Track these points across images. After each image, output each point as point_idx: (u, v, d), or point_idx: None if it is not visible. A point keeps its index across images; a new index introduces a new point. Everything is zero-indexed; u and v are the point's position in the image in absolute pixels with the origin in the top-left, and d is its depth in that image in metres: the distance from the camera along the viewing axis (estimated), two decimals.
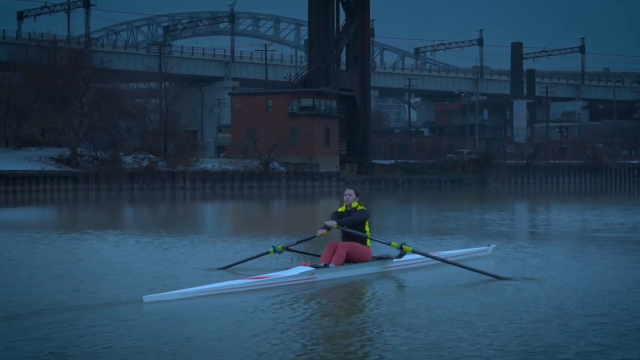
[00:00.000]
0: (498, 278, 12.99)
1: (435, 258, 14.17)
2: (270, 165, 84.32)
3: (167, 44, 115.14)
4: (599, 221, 29.91)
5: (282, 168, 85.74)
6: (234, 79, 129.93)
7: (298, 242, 14.76)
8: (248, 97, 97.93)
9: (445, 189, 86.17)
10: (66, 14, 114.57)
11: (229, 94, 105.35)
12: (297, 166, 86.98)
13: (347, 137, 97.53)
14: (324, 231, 13.81)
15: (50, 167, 73.38)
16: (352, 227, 13.73)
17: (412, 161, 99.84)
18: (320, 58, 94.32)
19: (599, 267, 14.64)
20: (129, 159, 78.71)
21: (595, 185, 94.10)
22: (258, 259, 14.80)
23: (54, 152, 76.85)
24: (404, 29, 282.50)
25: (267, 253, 14.51)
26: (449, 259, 14.23)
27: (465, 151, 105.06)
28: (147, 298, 11.20)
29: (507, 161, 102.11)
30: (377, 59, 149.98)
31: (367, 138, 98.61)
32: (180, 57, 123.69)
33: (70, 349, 8.56)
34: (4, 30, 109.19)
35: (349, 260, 13.62)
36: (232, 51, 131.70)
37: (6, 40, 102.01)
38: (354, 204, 13.96)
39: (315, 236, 14.17)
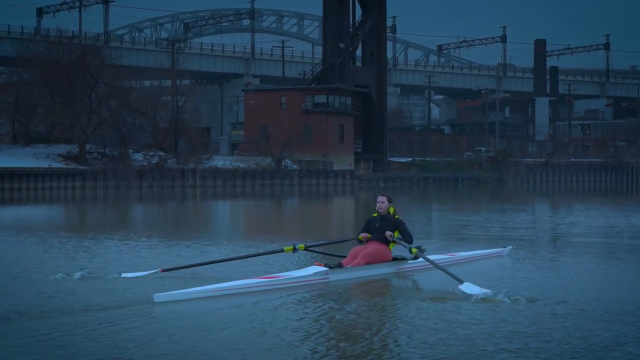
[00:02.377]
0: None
1: (431, 263, 13.31)
2: (283, 162, 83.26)
3: (181, 40, 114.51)
4: (595, 223, 29.13)
5: (295, 166, 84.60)
6: (254, 76, 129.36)
7: (336, 242, 14.84)
8: (261, 93, 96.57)
9: (462, 187, 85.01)
10: (85, 10, 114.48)
11: (242, 90, 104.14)
12: (310, 164, 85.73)
13: (363, 135, 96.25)
14: (369, 235, 13.68)
15: (57, 164, 72.82)
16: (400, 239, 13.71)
17: (428, 159, 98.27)
18: (335, 54, 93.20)
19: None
20: (138, 156, 78.11)
21: (616, 184, 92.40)
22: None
23: (63, 148, 76.31)
24: (429, 26, 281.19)
25: (280, 251, 14.03)
26: (440, 265, 13.20)
27: (483, 149, 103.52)
28: (157, 297, 10.90)
29: (525, 159, 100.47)
30: (401, 57, 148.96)
31: (384, 135, 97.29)
32: (199, 54, 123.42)
33: None
34: (22, 27, 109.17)
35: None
36: (252, 48, 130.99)
37: (24, 37, 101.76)
38: (391, 210, 13.81)
39: (358, 238, 13.85)
